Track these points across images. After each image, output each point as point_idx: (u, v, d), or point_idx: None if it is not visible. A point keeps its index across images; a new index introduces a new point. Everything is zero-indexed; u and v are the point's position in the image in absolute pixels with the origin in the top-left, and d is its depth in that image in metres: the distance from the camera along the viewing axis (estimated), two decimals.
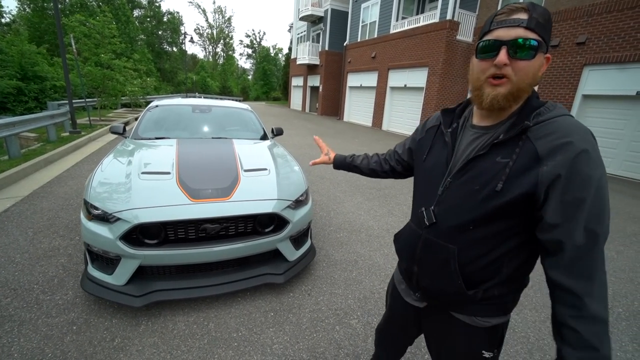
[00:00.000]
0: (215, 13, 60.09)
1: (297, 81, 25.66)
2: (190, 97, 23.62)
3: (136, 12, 40.65)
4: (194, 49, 69.06)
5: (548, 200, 0.69)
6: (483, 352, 0.91)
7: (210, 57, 62.67)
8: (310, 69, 22.13)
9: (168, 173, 2.30)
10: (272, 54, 60.55)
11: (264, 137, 3.73)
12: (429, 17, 11.70)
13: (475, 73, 0.78)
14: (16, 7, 37.23)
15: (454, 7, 10.66)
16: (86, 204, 2.04)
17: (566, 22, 8.45)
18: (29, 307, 2.03)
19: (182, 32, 46.87)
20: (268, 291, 2.35)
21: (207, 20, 59.03)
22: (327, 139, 10.41)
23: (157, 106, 3.83)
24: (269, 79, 52.72)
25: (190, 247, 2.00)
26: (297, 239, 2.46)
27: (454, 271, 0.84)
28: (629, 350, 2.03)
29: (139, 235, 1.96)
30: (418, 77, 12.24)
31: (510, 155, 0.73)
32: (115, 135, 3.41)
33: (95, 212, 1.97)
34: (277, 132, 4.05)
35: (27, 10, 29.55)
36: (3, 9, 26.96)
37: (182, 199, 2.05)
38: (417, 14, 13.54)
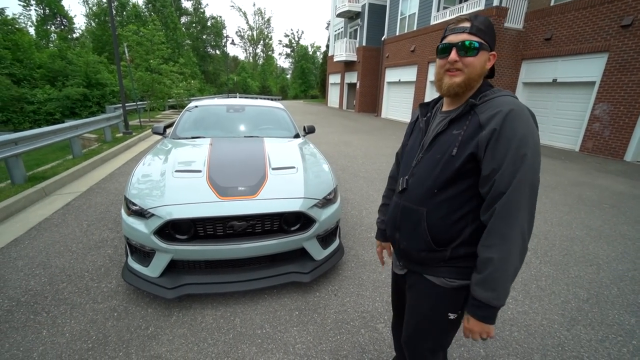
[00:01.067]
0: (255, 15, 61.90)
1: (334, 78, 25.59)
2: (231, 97, 24.68)
3: (183, 19, 43.34)
4: (235, 50, 71.81)
5: (487, 153, 0.88)
6: (449, 314, 1.06)
7: (250, 58, 64.90)
8: (348, 65, 21.92)
9: (199, 171, 2.39)
10: (310, 53, 61.04)
11: (296, 136, 3.74)
12: (474, 5, 10.94)
13: (436, 69, 1.02)
14: (84, 22, 41.67)
15: None
16: (126, 200, 2.19)
17: None
18: (80, 292, 2.23)
19: (225, 35, 49.06)
20: (294, 289, 2.35)
21: (247, 22, 61.18)
22: (362, 135, 10.25)
23: (194, 107, 4.02)
24: (307, 77, 53.22)
25: (218, 243, 2.06)
26: (325, 238, 2.43)
27: (423, 230, 1.01)
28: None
29: (171, 230, 2.06)
30: None
31: (462, 127, 0.95)
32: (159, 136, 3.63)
33: (134, 207, 2.11)
34: (309, 130, 4.04)
35: (92, 24, 32.90)
36: (74, 25, 30.32)
37: (210, 196, 2.11)
38: (460, 2, 12.75)
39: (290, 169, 2.54)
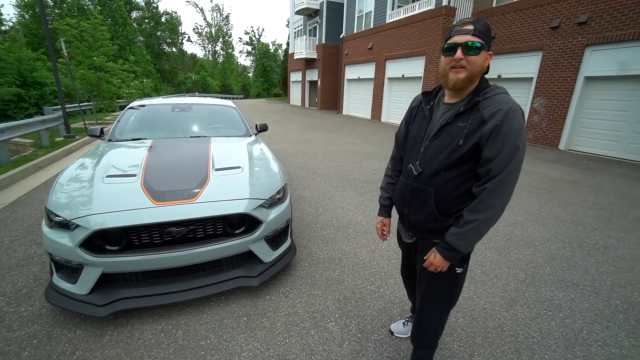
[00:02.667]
0: (213, 11, 59.66)
1: (295, 76, 25.42)
2: (189, 96, 23.61)
3: (134, 14, 40.60)
4: (193, 48, 69.15)
5: (487, 145, 1.07)
6: (456, 268, 1.28)
7: (210, 56, 62.57)
8: (308, 63, 21.87)
9: (134, 175, 2.21)
10: (272, 50, 60.17)
11: (247, 134, 3.62)
12: (425, 4, 11.39)
13: (442, 65, 1.15)
14: (15, 14, 37.49)
15: None
16: (47, 211, 1.96)
17: (566, 1, 8.12)
18: None
19: (181, 32, 46.79)
20: (243, 295, 2.25)
21: (205, 19, 58.66)
22: (322, 133, 10.27)
23: (136, 107, 3.74)
24: (269, 75, 52.41)
25: (155, 252, 1.91)
26: (274, 239, 2.36)
27: (431, 205, 1.21)
28: (625, 345, 1.89)
29: (100, 241, 1.88)
30: (415, 67, 11.97)
31: (467, 121, 1.11)
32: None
33: (56, 219, 1.89)
34: (261, 129, 3.94)
35: (26, 17, 29.69)
36: (3, 17, 27.13)
37: (144, 202, 1.95)
38: (413, 1, 13.21)
39: (235, 169, 2.43)
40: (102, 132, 3.37)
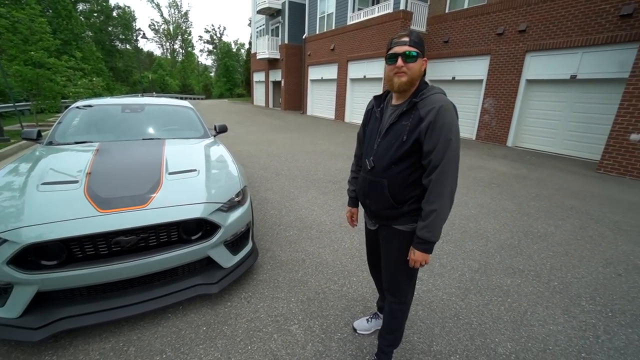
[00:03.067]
0: (170, 7, 56.63)
1: (258, 76, 25.02)
2: (147, 96, 22.23)
3: (80, 6, 37.43)
4: (149, 46, 65.20)
5: (426, 138, 1.24)
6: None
7: (168, 54, 59.55)
8: (271, 63, 21.63)
9: (75, 182, 2.02)
10: (234, 50, 58.69)
11: (205, 136, 3.48)
12: (384, 8, 11.75)
13: (387, 72, 1.34)
14: None
15: None
16: None
17: (508, 10, 8.81)
18: None
19: (135, 28, 43.99)
20: (203, 303, 2.16)
21: (162, 15, 55.56)
22: (287, 133, 10.20)
23: (81, 107, 3.44)
24: (231, 75, 51.07)
25: (101, 264, 1.76)
26: (234, 243, 2.29)
27: (387, 195, 1.38)
28: (561, 322, 2.08)
29: (34, 256, 1.69)
30: (376, 68, 12.31)
31: (409, 119, 1.29)
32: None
33: None
34: (220, 130, 3.81)
35: None
36: None
37: (87, 210, 1.79)
38: (373, 4, 13.57)
39: (191, 172, 2.32)
40: (39, 134, 3.06)
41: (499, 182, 5.40)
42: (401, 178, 1.33)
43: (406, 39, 1.26)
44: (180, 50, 59.86)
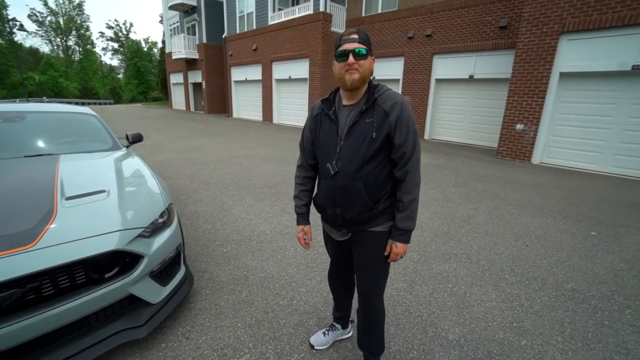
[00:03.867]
0: None
1: (176, 78, 23.06)
2: (32, 102, 18.51)
3: None
4: (33, 41, 54.26)
5: (395, 132, 1.25)
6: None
7: (60, 52, 50.83)
8: (190, 63, 20.11)
9: None
10: (145, 49, 53.17)
11: (114, 148, 2.95)
12: (304, 9, 11.85)
13: (337, 70, 1.29)
14: None
15: (326, 0, 11.03)
16: None
17: (416, 17, 9.69)
18: None
19: (7, 17, 36.26)
20: (130, 350, 1.79)
21: (46, 4, 46.76)
22: (214, 138, 9.56)
23: None
24: (144, 77, 46.24)
25: None
26: (163, 273, 1.95)
27: (364, 197, 1.31)
28: (493, 298, 2.29)
29: None
30: (301, 68, 12.37)
31: (372, 116, 1.27)
32: None
33: None
34: (134, 139, 3.29)
35: None
36: None
37: None
38: (293, 5, 13.59)
39: (97, 195, 1.90)
40: None
41: (423, 173, 5.86)
42: (374, 176, 1.30)
43: (355, 36, 1.23)
44: (77, 48, 51.75)
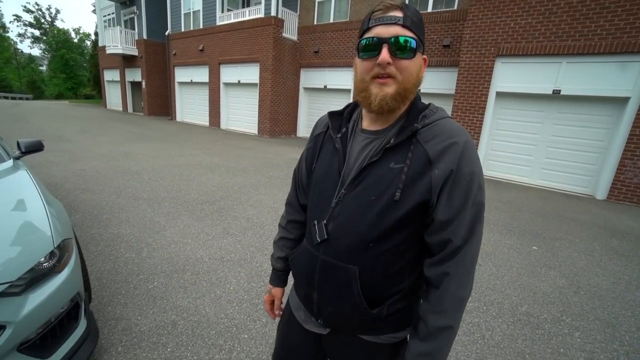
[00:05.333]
0: None
1: (111, 75, 20.76)
2: None
3: None
4: None
5: (440, 200, 0.69)
6: None
7: None
8: (128, 60, 18.24)
9: None
10: (76, 40, 47.56)
11: None
12: (255, 12, 11.42)
13: (360, 74, 0.74)
14: None
15: (277, 5, 10.74)
16: None
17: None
18: None
19: None
20: None
21: None
22: (150, 144, 8.60)
23: None
24: (74, 71, 41.25)
25: None
26: (46, 338, 1.43)
27: (357, 294, 0.77)
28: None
29: None
30: (251, 73, 11.86)
31: (403, 160, 0.72)
32: None
33: None
34: (29, 148, 2.60)
35: None
36: None
37: None
38: (243, 6, 13.07)
39: None
40: None
41: None
42: (383, 263, 0.76)
43: (398, 13, 0.68)
44: None
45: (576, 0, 5.96)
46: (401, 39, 0.67)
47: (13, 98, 30.71)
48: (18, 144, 2.59)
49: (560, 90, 6.38)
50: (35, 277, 1.41)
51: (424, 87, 9.02)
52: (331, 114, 0.89)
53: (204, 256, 2.91)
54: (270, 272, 1.10)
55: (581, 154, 6.46)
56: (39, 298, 1.38)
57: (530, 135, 6.98)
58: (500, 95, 7.11)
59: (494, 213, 4.70)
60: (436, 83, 8.91)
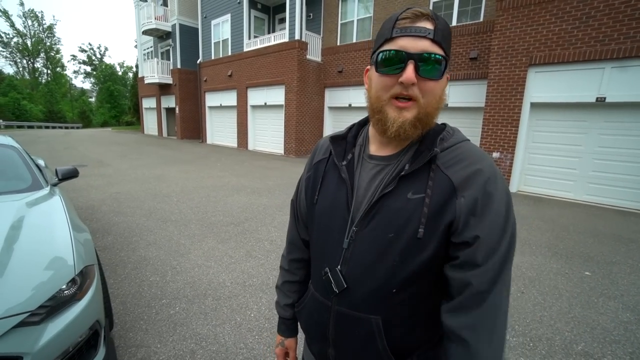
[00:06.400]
0: (26, 18, 46.60)
1: (149, 103, 22.35)
2: None
3: None
4: None
5: (464, 231, 0.58)
6: None
7: (26, 73, 48.66)
8: (163, 88, 19.59)
9: None
10: (120, 73, 52.14)
11: (34, 187, 2.40)
12: (280, 37, 11.88)
13: (375, 91, 0.64)
14: None
15: (301, 29, 11.11)
16: None
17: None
18: None
19: None
20: None
21: (12, 25, 45.02)
22: (181, 166, 8.96)
23: None
24: (117, 101, 44.94)
25: None
26: None
27: (382, 349, 0.65)
28: None
29: None
30: (276, 95, 12.20)
31: (422, 190, 0.61)
32: None
33: None
34: (65, 175, 2.75)
35: None
36: None
37: None
38: (269, 32, 13.67)
39: None
40: None
41: None
42: (411, 309, 0.65)
43: (429, 25, 0.58)
44: (45, 70, 49.83)
45: (617, 2, 5.58)
46: (432, 56, 0.57)
47: (66, 127, 33.92)
48: (56, 171, 2.74)
49: (605, 98, 5.89)
50: (56, 305, 1.41)
51: (452, 102, 8.80)
52: (333, 139, 0.76)
53: (226, 280, 2.85)
54: (278, 320, 0.94)
55: (635, 166, 5.84)
56: (58, 327, 1.36)
57: (572, 147, 6.45)
58: (535, 106, 6.70)
59: (535, 233, 4.30)
60: (464, 97, 8.62)
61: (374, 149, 0.71)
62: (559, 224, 4.74)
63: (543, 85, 6.53)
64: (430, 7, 9.05)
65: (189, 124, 18.35)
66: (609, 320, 2.40)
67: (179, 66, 17.80)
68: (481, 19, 8.28)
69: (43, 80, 48.80)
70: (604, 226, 4.72)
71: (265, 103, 12.79)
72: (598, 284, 2.95)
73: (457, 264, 0.59)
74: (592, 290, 2.84)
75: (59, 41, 52.27)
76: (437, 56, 0.58)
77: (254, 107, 13.53)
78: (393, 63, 0.59)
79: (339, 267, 0.68)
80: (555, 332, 2.25)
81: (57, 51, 50.24)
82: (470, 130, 8.70)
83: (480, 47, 8.21)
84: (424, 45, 0.57)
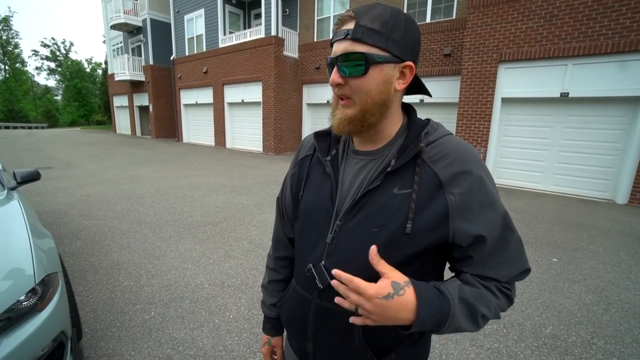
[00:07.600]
0: None
1: (120, 101, 21.40)
2: None
3: None
4: None
5: (459, 228, 0.60)
6: None
7: None
8: (135, 86, 18.80)
9: None
10: (88, 70, 49.55)
11: None
12: (256, 33, 11.67)
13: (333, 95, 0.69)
14: None
15: (277, 25, 10.97)
16: None
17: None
18: None
19: None
20: None
21: None
22: (156, 166, 8.66)
23: None
24: (86, 99, 42.84)
25: None
26: None
27: (360, 344, 0.66)
28: (472, 358, 1.94)
29: None
30: (254, 92, 12.01)
31: (409, 185, 0.62)
32: None
33: None
34: (24, 178, 2.57)
35: None
36: None
37: None
38: (244, 28, 13.40)
39: None
40: None
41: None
42: None
43: (350, 24, 0.60)
44: (2, 66, 46.53)
45: (577, 2, 5.88)
46: (346, 56, 0.60)
47: (29, 127, 31.84)
48: (14, 174, 2.56)
49: (568, 93, 6.21)
50: (15, 318, 1.32)
51: (427, 97, 8.97)
52: (317, 135, 0.77)
53: (203, 282, 2.78)
54: (263, 319, 0.94)
55: (596, 157, 6.21)
56: (16, 341, 1.28)
57: (540, 140, 6.77)
58: (506, 101, 6.96)
59: None
60: (439, 92, 8.83)
61: (357, 144, 0.72)
62: (529, 214, 4.97)
63: (513, 81, 6.80)
64: (405, 6, 9.22)
65: (164, 123, 17.76)
66: (574, 303, 2.55)
67: (151, 62, 17.12)
68: (454, 16, 8.48)
69: (1, 77, 45.58)
70: (569, 215, 5.00)
71: (243, 100, 12.57)
72: (564, 270, 3.12)
73: (464, 249, 0.62)
74: (559, 276, 3.00)
75: (16, 35, 48.68)
76: (356, 54, 0.59)
77: (231, 104, 13.26)
78: (330, 68, 0.64)
79: (323, 262, 0.67)
80: (526, 318, 2.36)
81: (15, 45, 46.97)
82: (446, 125, 8.82)
83: (454, 44, 8.42)
84: (344, 47, 0.60)
